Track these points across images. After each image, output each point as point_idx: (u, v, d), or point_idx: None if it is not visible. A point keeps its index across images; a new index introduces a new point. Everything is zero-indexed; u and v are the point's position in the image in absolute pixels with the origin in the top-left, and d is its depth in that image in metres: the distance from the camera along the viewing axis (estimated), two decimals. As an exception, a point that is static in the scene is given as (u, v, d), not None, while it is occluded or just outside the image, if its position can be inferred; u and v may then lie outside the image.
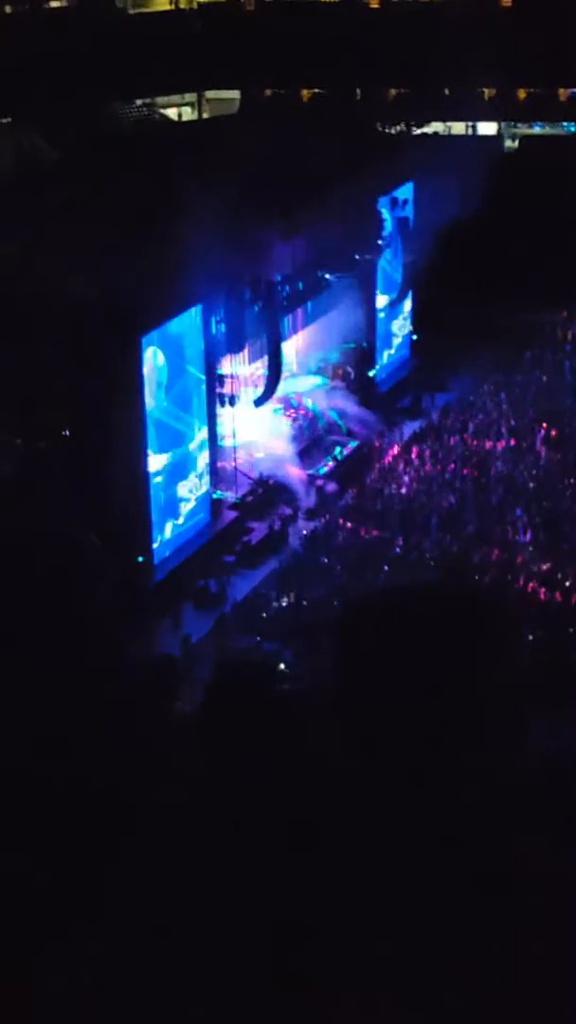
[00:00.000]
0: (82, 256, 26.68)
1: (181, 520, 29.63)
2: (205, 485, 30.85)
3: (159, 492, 28.53)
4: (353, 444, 36.81)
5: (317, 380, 38.63)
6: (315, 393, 37.96)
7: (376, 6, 52.24)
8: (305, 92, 53.62)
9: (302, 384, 37.79)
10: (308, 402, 37.49)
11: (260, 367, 33.52)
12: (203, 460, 30.67)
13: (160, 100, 52.42)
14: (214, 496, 31.74)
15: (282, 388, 34.79)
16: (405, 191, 40.35)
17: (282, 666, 23.80)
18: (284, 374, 34.40)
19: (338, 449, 36.32)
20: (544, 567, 28.04)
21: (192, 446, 29.98)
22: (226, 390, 32.02)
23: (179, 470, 29.42)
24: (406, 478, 33.40)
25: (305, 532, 31.68)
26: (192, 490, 30.20)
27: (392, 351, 41.39)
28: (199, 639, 26.85)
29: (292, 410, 36.76)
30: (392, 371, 41.31)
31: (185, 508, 29.82)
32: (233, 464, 32.77)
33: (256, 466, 33.74)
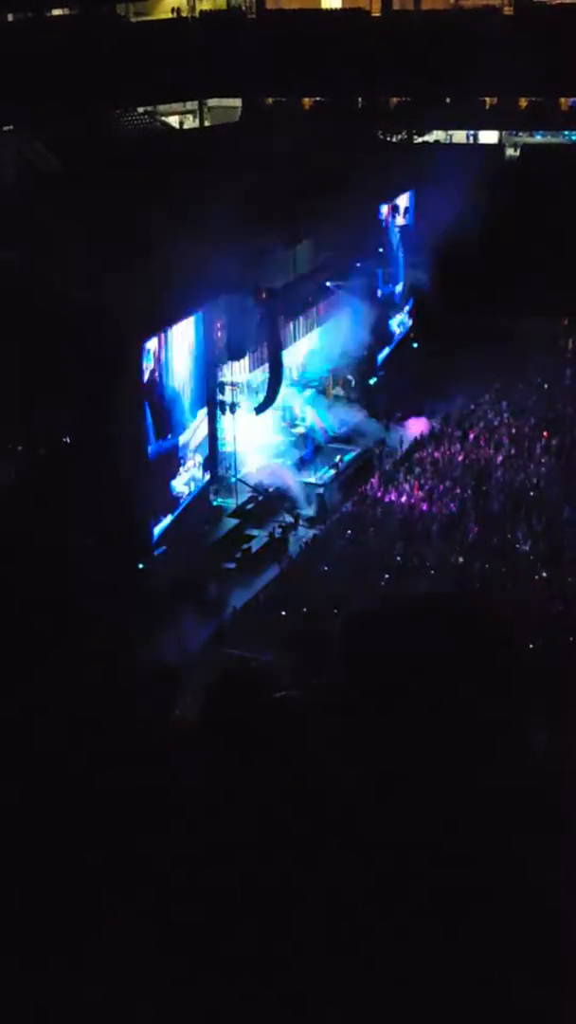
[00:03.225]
0: (84, 263, 26.70)
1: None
2: (201, 478, 30.62)
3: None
4: (354, 452, 36.81)
5: (318, 388, 38.63)
6: (316, 401, 37.96)
7: (378, 15, 52.33)
8: (307, 100, 53.68)
9: (303, 392, 37.79)
10: (309, 410, 37.50)
11: (261, 375, 33.51)
12: (199, 455, 30.52)
13: (162, 108, 52.41)
14: (214, 503, 31.69)
15: (283, 396, 34.78)
16: (406, 199, 40.42)
17: (282, 674, 23.74)
18: (285, 382, 34.39)
19: (338, 457, 36.31)
20: (545, 576, 28.01)
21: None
22: (227, 398, 32.02)
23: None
24: (407, 486, 33.37)
25: (306, 540, 31.65)
26: (188, 483, 29.98)
27: (392, 358, 41.43)
28: (199, 646, 26.80)
29: (293, 418, 36.76)
30: (391, 378, 41.34)
31: (180, 502, 29.61)
32: (233, 472, 32.75)
33: (256, 474, 33.71)
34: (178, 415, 29.31)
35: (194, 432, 30.18)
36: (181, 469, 29.62)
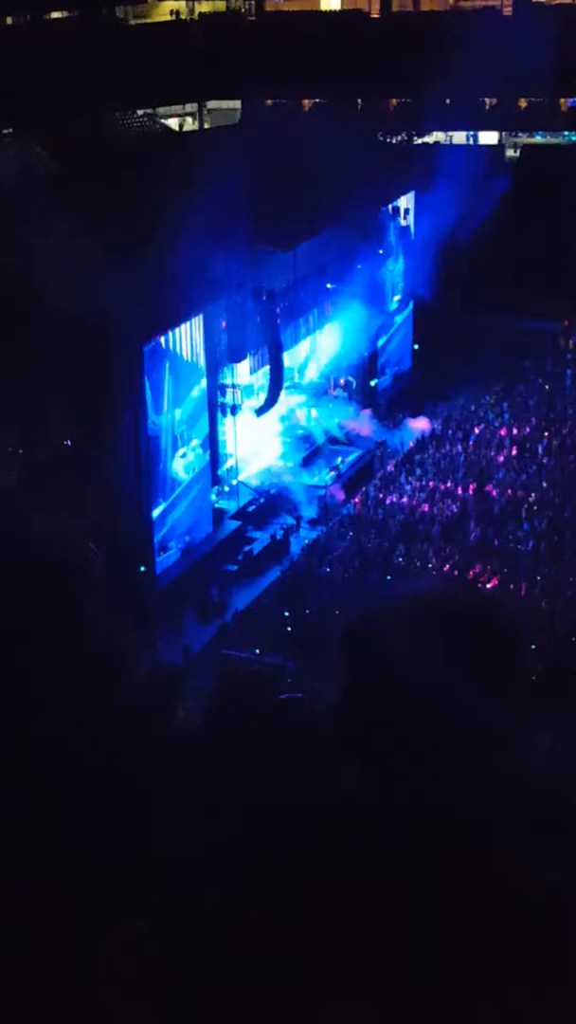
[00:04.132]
0: (84, 267, 26.70)
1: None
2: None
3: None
4: (355, 454, 36.81)
5: (319, 389, 38.65)
6: (317, 402, 37.98)
7: (377, 15, 52.35)
8: (306, 102, 53.69)
9: (304, 394, 37.80)
10: (310, 412, 37.51)
11: (262, 377, 33.51)
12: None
13: (161, 110, 52.44)
14: (216, 505, 31.69)
15: (284, 398, 34.78)
16: (407, 200, 40.42)
17: (285, 676, 23.74)
18: (285, 384, 34.39)
19: (340, 459, 36.32)
20: (546, 576, 28.01)
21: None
22: (228, 400, 32.02)
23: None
24: (408, 487, 33.38)
25: (307, 541, 31.65)
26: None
27: (392, 359, 41.43)
28: (201, 648, 26.81)
29: (294, 419, 36.77)
30: (392, 379, 41.37)
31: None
32: (234, 474, 32.75)
33: (258, 476, 33.72)
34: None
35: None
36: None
